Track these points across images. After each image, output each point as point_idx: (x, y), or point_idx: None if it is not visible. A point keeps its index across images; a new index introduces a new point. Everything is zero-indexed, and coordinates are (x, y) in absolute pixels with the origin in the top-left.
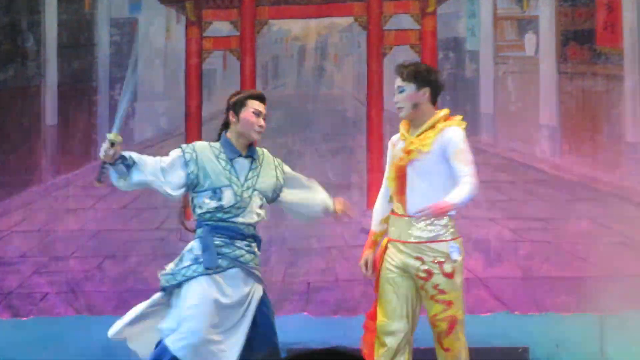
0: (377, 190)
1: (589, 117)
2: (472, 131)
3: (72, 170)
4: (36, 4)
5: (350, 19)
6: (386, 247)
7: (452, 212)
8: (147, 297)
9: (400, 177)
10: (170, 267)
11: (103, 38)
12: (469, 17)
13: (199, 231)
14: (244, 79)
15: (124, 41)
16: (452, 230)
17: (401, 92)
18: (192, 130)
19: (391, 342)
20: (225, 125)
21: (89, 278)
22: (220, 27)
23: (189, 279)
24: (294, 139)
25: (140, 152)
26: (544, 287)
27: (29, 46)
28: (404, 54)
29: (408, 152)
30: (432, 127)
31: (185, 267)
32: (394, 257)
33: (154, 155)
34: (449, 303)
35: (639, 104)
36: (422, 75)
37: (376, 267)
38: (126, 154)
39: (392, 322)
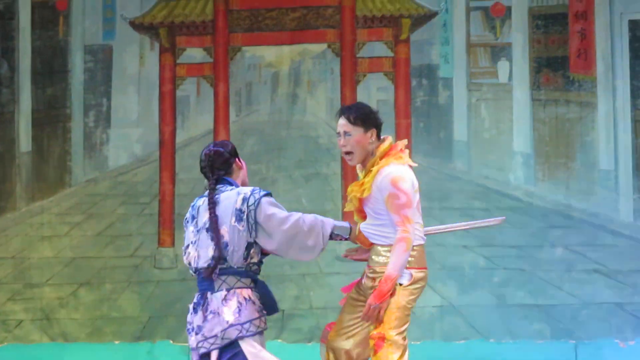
0: (351, 217)
1: (562, 144)
2: (446, 158)
3: (46, 197)
4: (10, 30)
5: (324, 46)
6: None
7: (419, 242)
8: (122, 325)
9: (362, 218)
10: (232, 317)
11: (77, 65)
12: (443, 44)
13: (247, 281)
14: (217, 106)
15: (97, 68)
16: (410, 259)
17: (349, 135)
18: (166, 157)
19: (332, 357)
20: (222, 176)
21: (64, 305)
22: (194, 53)
23: (260, 332)
24: (267, 165)
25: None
26: (518, 315)
27: (3, 72)
28: (378, 81)
29: (350, 200)
30: (370, 170)
31: (256, 318)
32: (360, 284)
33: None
34: (380, 321)
35: (612, 131)
36: (369, 118)
37: (350, 286)
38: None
39: (337, 338)
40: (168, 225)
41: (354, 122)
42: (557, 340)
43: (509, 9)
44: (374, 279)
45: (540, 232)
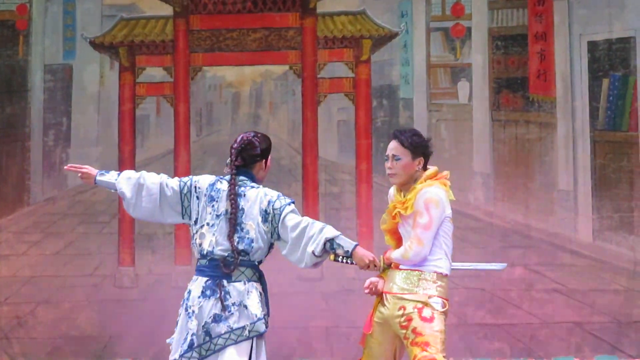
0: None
1: (522, 165)
2: None
3: (4, 216)
4: None
5: (285, 67)
6: (380, 299)
7: (443, 271)
8: (82, 344)
9: (396, 240)
10: (259, 311)
11: (37, 84)
12: (403, 65)
13: (258, 275)
14: (177, 125)
15: (57, 87)
16: (440, 289)
17: (397, 160)
18: None
19: None
20: (244, 168)
21: (23, 324)
22: (154, 73)
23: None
24: None
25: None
26: (479, 334)
27: None
28: (339, 102)
29: (393, 217)
30: (414, 188)
31: (267, 313)
32: (380, 310)
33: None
34: (426, 344)
35: (572, 151)
36: (420, 146)
37: (369, 322)
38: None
39: None
40: (128, 244)
41: (406, 146)
42: (516, 359)
43: (469, 29)
44: (403, 307)
45: (500, 252)
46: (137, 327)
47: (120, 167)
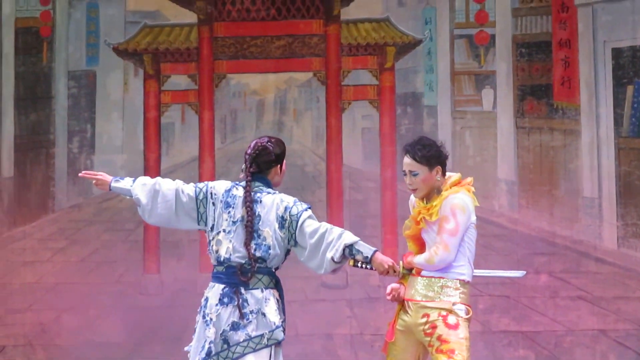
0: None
1: (546, 172)
2: None
3: (29, 223)
4: None
5: (309, 74)
6: (401, 307)
7: (465, 278)
8: (106, 351)
9: (418, 246)
10: (277, 318)
11: (61, 90)
12: (427, 72)
13: (274, 281)
14: (202, 133)
15: (81, 94)
16: (462, 296)
17: (415, 175)
18: None
19: None
20: (259, 174)
21: (47, 331)
22: (179, 80)
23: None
24: None
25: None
26: (503, 341)
27: None
28: (363, 109)
29: (417, 223)
30: (439, 194)
31: (284, 320)
32: (403, 318)
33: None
34: (452, 351)
35: (596, 158)
36: (434, 157)
37: (392, 330)
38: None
39: None
40: (154, 251)
41: (419, 161)
42: None
43: (493, 37)
44: (426, 315)
45: (525, 259)
46: (161, 334)
47: (146, 175)
